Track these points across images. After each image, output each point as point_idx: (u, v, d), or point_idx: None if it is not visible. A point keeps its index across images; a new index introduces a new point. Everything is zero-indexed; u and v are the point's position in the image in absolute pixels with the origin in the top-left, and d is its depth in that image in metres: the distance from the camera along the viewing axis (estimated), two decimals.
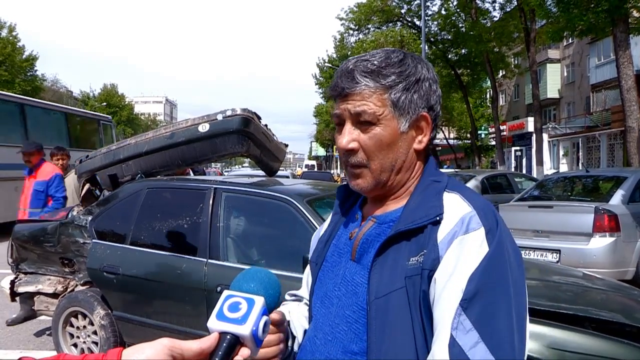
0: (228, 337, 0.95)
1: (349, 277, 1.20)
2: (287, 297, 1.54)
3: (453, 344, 0.97)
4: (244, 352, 0.96)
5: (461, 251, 1.04)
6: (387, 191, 1.23)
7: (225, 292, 1.02)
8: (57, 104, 19.12)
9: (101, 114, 20.89)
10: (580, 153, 34.32)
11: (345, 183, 1.36)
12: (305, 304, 1.47)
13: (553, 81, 39.97)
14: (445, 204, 1.12)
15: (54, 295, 4.97)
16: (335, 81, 1.20)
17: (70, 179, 7.17)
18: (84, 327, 4.66)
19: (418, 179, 1.23)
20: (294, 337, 1.34)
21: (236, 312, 0.97)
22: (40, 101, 16.58)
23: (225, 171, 56.72)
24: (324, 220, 3.63)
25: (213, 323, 0.97)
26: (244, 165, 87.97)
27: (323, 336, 1.21)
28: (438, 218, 1.09)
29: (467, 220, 1.07)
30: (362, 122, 1.17)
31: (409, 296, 1.06)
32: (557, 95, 40.18)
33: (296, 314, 1.42)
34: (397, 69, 1.17)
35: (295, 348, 1.33)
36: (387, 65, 1.17)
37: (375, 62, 1.17)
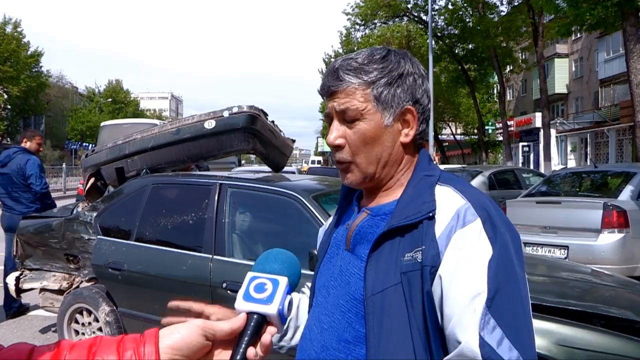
0: (255, 316, 1.00)
1: (344, 267, 1.25)
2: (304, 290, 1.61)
3: (483, 344, 1.00)
4: (272, 329, 1.01)
5: (462, 246, 1.07)
6: (377, 183, 1.26)
7: (250, 274, 1.07)
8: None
9: None
10: (588, 148, 34.17)
11: None
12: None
13: (561, 76, 39.78)
14: (438, 198, 1.15)
15: (59, 291, 4.98)
16: (323, 81, 1.26)
17: None
18: (89, 323, 4.67)
19: (410, 172, 1.26)
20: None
21: (262, 293, 1.03)
22: None
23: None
24: (329, 216, 3.65)
25: (240, 304, 1.02)
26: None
27: (319, 324, 1.26)
28: (431, 214, 1.12)
29: (462, 213, 1.10)
30: (347, 118, 1.21)
31: (404, 292, 1.09)
32: (565, 91, 39.99)
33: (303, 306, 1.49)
34: (380, 65, 1.21)
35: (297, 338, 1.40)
36: (370, 62, 1.21)
37: (359, 59, 1.22)
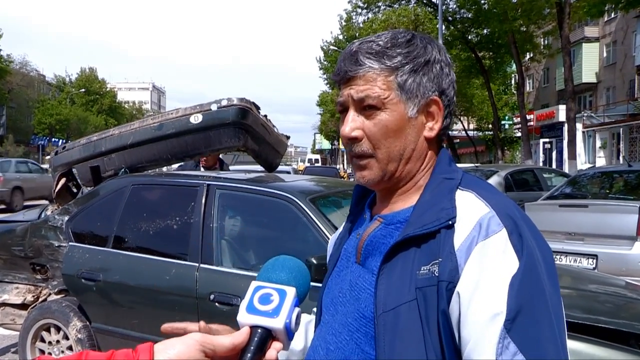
0: (259, 331, 1.00)
1: (354, 282, 1.23)
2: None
3: None
4: (277, 345, 1.01)
5: (484, 260, 1.04)
6: (395, 184, 1.25)
7: (254, 283, 1.07)
8: None
9: None
10: (621, 145, 34.06)
11: None
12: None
13: (590, 63, 39.72)
14: (458, 205, 1.13)
15: (23, 306, 4.94)
16: (339, 65, 1.24)
17: None
18: (57, 342, 4.64)
19: (429, 174, 1.24)
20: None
21: (268, 305, 1.02)
22: None
23: None
24: (328, 220, 3.67)
25: (243, 316, 1.02)
26: None
27: (325, 345, 1.25)
28: (450, 222, 1.10)
29: (485, 222, 1.08)
30: (367, 108, 1.20)
31: (420, 309, 1.07)
32: (594, 80, 39.99)
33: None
34: (404, 50, 1.20)
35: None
36: (393, 46, 1.20)
37: (381, 42, 1.20)
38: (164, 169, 7.19)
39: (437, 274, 1.07)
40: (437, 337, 1.05)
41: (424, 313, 1.06)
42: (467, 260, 1.05)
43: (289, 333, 1.02)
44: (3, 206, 19.69)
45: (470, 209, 1.12)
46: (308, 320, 1.49)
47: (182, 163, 6.64)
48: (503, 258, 1.03)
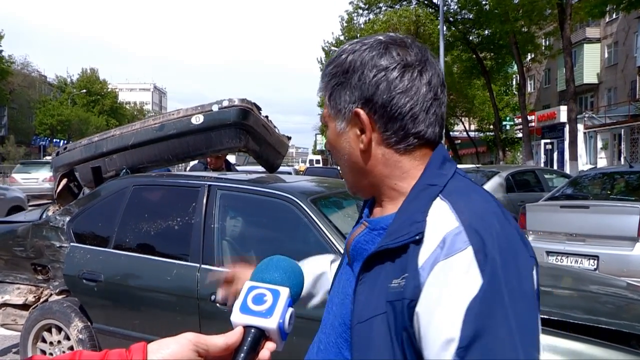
0: (253, 331, 1.01)
1: (344, 285, 1.26)
2: None
3: None
4: (270, 346, 1.02)
5: (444, 280, 0.99)
6: (371, 192, 1.26)
7: (248, 283, 1.08)
8: None
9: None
10: (622, 145, 33.99)
11: None
12: None
13: (591, 64, 39.73)
14: (430, 219, 1.06)
15: (24, 306, 4.94)
16: None
17: None
18: (59, 342, 4.64)
19: (414, 178, 1.17)
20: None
21: (261, 305, 1.03)
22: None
23: None
24: (330, 221, 3.67)
25: (237, 317, 1.02)
26: None
27: (318, 343, 1.29)
28: (417, 237, 1.04)
29: (449, 240, 1.01)
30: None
31: (389, 324, 1.04)
32: (595, 80, 39.97)
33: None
34: (332, 66, 1.21)
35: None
36: (328, 65, 1.23)
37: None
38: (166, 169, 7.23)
39: (403, 289, 1.03)
40: (402, 353, 1.03)
41: (393, 327, 1.03)
42: (427, 279, 1.00)
43: (282, 333, 1.02)
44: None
45: (439, 223, 1.05)
46: (320, 272, 1.62)
47: (194, 163, 6.72)
48: (464, 279, 0.97)
